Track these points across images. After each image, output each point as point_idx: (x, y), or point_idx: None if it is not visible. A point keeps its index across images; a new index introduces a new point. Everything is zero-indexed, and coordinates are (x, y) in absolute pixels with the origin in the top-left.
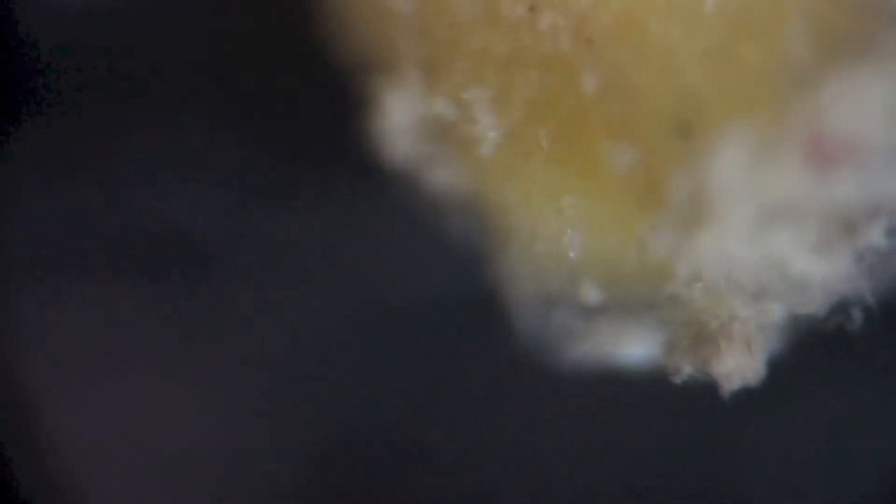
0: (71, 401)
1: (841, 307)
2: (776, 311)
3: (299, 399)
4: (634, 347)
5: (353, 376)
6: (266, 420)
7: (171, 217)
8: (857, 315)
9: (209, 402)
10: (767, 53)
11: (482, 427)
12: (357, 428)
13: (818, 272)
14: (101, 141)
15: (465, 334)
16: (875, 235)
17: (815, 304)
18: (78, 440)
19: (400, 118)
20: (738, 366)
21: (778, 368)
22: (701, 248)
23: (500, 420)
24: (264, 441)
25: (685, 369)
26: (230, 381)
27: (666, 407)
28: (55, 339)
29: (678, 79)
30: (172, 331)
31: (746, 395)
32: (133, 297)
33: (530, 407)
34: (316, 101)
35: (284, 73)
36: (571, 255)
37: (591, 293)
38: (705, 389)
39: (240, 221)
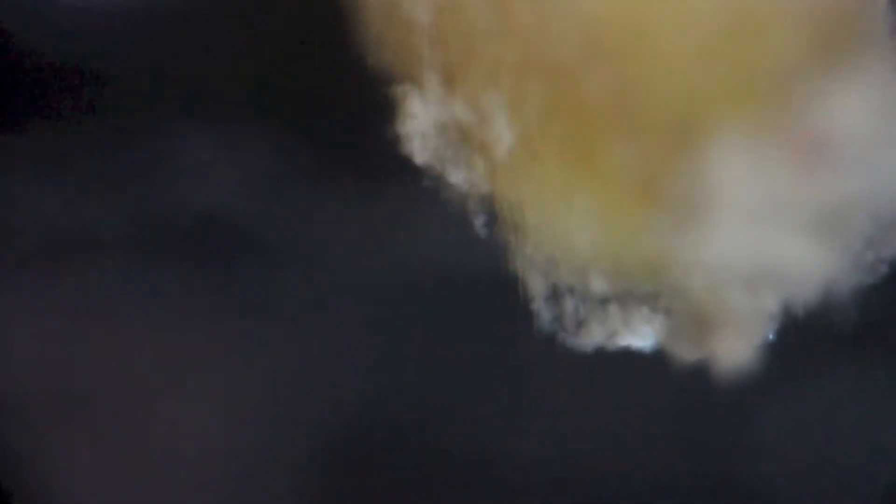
0: (107, 383)
1: (831, 295)
2: (770, 300)
3: (336, 376)
4: (640, 333)
5: (386, 353)
6: (302, 398)
7: (215, 202)
8: (847, 302)
9: (240, 386)
10: (763, 58)
11: (504, 399)
12: (394, 400)
13: (809, 263)
14: (143, 128)
15: (487, 318)
16: (861, 227)
17: (806, 293)
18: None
19: (424, 121)
20: (734, 350)
21: (772, 353)
22: (699, 240)
23: (520, 396)
24: (301, 414)
25: (687, 353)
26: (264, 367)
27: (669, 386)
28: (93, 320)
29: (678, 83)
30: (209, 314)
31: (742, 377)
32: (173, 279)
33: (547, 386)
34: (351, 105)
35: (323, 79)
36: (582, 249)
37: (599, 283)
38: (705, 371)
39: (281, 209)
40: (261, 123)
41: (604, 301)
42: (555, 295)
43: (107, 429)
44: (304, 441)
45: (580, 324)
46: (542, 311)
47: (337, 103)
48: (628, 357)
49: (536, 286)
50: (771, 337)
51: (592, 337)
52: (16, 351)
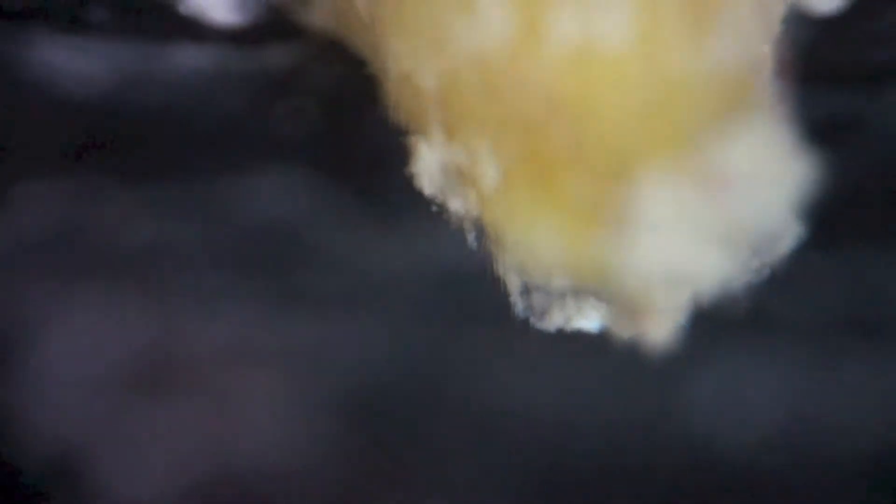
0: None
1: (728, 290)
2: (683, 294)
3: (367, 351)
4: (589, 318)
5: (404, 331)
6: (339, 368)
7: (275, 221)
8: (739, 296)
9: (292, 363)
10: (681, 116)
11: (491, 363)
12: (410, 365)
13: (712, 267)
14: (220, 164)
15: (478, 306)
16: (749, 240)
17: (710, 289)
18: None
19: (431, 163)
20: (656, 330)
21: (684, 333)
22: (632, 251)
23: (503, 362)
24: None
25: (623, 332)
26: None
27: (614, 359)
28: (175, 317)
29: (618, 135)
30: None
31: (661, 349)
32: (240, 283)
33: (522, 355)
34: (380, 151)
35: (359, 132)
36: (546, 257)
37: (559, 282)
38: (636, 345)
39: (327, 227)
40: (313, 164)
41: (562, 295)
42: (526, 290)
43: (187, 414)
44: (343, 399)
45: (545, 311)
46: (518, 302)
47: (370, 149)
48: (580, 335)
49: (513, 284)
50: (683, 321)
51: (554, 321)
52: (104, 344)
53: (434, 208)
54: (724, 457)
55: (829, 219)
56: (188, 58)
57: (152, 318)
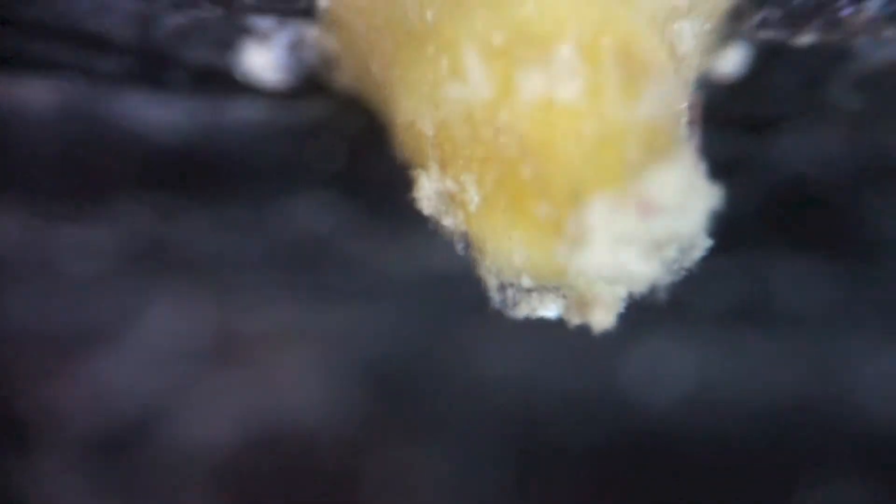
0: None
1: (656, 287)
2: (621, 290)
3: (382, 335)
4: (550, 309)
5: (410, 319)
6: (361, 350)
7: (312, 233)
8: (665, 291)
9: (329, 345)
10: (619, 152)
11: (476, 344)
12: (413, 344)
13: (643, 270)
14: (271, 191)
15: (465, 300)
16: (672, 249)
17: (641, 287)
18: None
19: (429, 190)
20: (601, 319)
21: (621, 320)
22: (583, 258)
23: (485, 342)
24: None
25: (575, 320)
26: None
27: (569, 341)
28: (234, 314)
29: (573, 168)
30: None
31: (605, 333)
32: (287, 285)
33: (499, 337)
34: (390, 181)
35: (374, 166)
36: (517, 262)
37: (526, 281)
38: (586, 330)
39: (350, 239)
40: (339, 190)
41: (529, 291)
42: (502, 287)
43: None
44: (362, 370)
45: (516, 304)
46: (495, 296)
47: (382, 179)
48: (543, 322)
49: (491, 283)
50: (620, 310)
51: (523, 311)
52: (181, 327)
53: (431, 225)
54: (649, 412)
55: (729, 232)
56: (244, 110)
57: (218, 307)
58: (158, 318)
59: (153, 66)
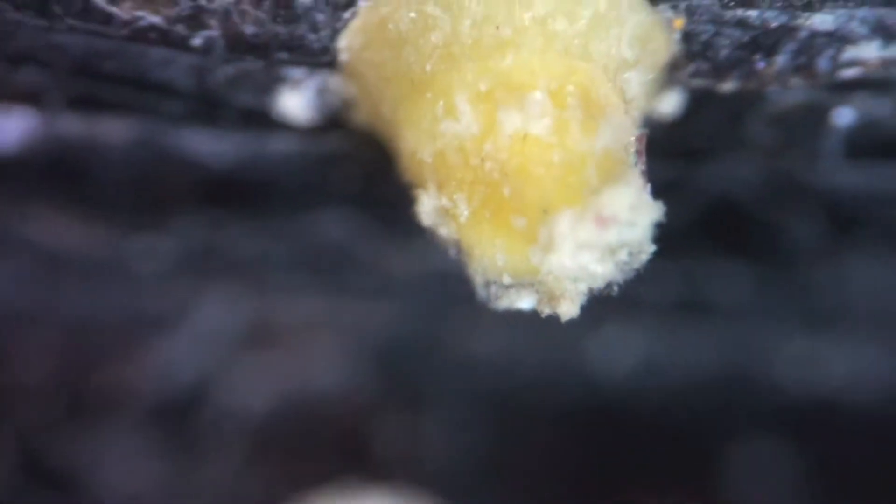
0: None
1: (611, 283)
2: (583, 286)
3: (391, 324)
4: (525, 302)
5: (413, 309)
6: (373, 336)
7: (335, 240)
8: (618, 286)
9: (348, 331)
10: (581, 175)
11: (466, 329)
12: (416, 329)
13: (601, 270)
14: (303, 208)
15: (458, 296)
16: (624, 253)
17: (600, 283)
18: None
19: (428, 206)
20: (567, 310)
21: (583, 311)
22: (552, 260)
23: (473, 328)
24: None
25: (545, 310)
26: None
27: (539, 327)
28: (263, 310)
29: (545, 189)
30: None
31: (570, 321)
32: (312, 284)
33: (484, 325)
34: (396, 199)
35: (383, 189)
36: (499, 264)
37: (507, 279)
38: (555, 319)
39: (366, 247)
40: (356, 205)
41: (509, 287)
42: (487, 284)
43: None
44: (375, 353)
45: (498, 298)
46: (481, 292)
47: (391, 198)
48: (520, 312)
49: (478, 280)
50: (583, 303)
51: (503, 304)
52: (225, 316)
53: (430, 234)
54: (605, 386)
55: (669, 240)
56: (280, 143)
57: (257, 301)
58: (208, 310)
59: (208, 108)
